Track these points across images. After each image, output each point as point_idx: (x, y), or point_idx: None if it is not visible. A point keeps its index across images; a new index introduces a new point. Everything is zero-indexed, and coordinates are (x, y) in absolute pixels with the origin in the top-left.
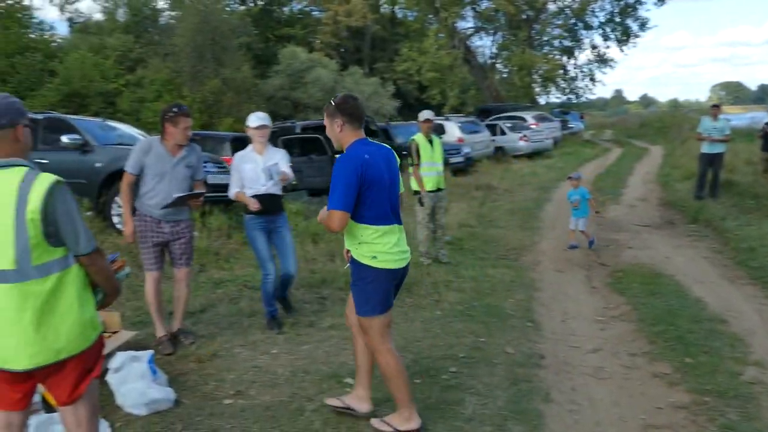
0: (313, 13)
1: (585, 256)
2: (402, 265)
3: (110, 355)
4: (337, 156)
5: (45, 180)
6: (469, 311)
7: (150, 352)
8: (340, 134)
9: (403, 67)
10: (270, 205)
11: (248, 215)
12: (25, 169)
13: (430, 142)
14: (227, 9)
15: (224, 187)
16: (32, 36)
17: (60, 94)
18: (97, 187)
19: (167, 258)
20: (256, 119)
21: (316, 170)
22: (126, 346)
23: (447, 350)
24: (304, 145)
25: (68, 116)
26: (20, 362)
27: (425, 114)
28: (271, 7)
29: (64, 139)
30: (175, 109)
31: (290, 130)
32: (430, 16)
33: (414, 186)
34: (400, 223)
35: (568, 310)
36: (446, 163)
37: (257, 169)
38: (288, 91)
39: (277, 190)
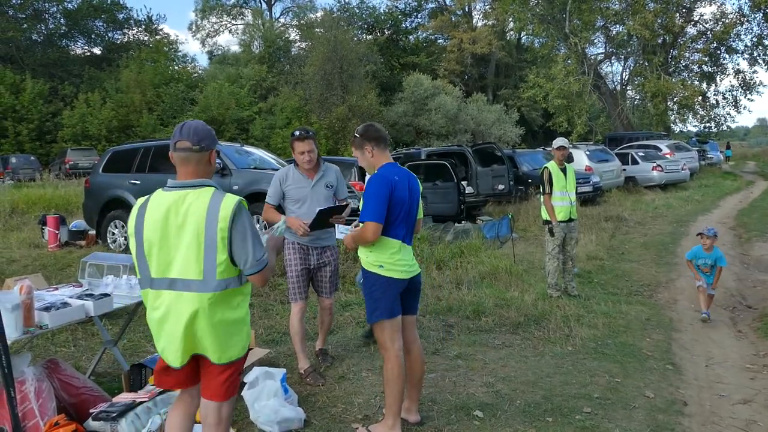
0: (438, 41)
1: (729, 296)
2: (407, 276)
3: (245, 371)
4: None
5: (232, 200)
6: (603, 349)
7: (283, 370)
8: (373, 159)
9: (529, 94)
10: None
11: None
12: (213, 189)
13: (563, 170)
14: (355, 39)
15: (352, 212)
16: (176, 68)
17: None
18: None
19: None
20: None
21: (442, 197)
22: (258, 364)
23: (580, 389)
24: (429, 172)
25: None
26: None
27: (559, 141)
28: (397, 36)
29: None
30: (295, 133)
31: (415, 157)
32: (559, 42)
33: (544, 215)
34: (409, 243)
35: (713, 355)
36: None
37: None
38: (411, 117)
39: None
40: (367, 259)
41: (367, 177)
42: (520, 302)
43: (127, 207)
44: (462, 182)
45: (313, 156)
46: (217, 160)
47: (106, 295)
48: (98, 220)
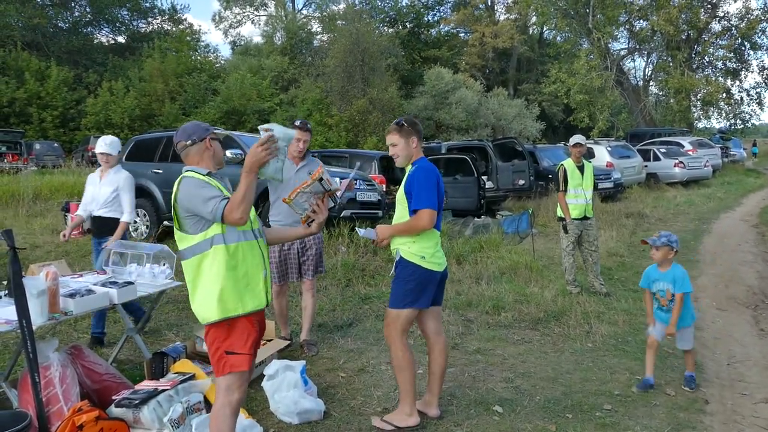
0: (460, 34)
1: (751, 295)
2: (442, 269)
3: (265, 362)
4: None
5: (178, 178)
6: (623, 346)
7: (302, 362)
8: (415, 149)
9: (551, 89)
10: None
11: None
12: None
13: (581, 168)
14: (377, 32)
15: (372, 205)
16: (199, 58)
17: (220, 111)
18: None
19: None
20: None
21: (462, 191)
22: (278, 356)
23: (600, 386)
24: (449, 166)
25: (233, 132)
26: None
27: (575, 138)
28: (418, 29)
29: (228, 153)
30: (296, 122)
31: (436, 151)
32: (582, 37)
33: (559, 212)
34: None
35: (735, 354)
36: (595, 188)
37: None
38: (432, 111)
39: None
40: (410, 249)
41: (407, 170)
42: (539, 298)
43: (150, 196)
44: (482, 177)
45: (305, 147)
46: (239, 151)
47: (130, 283)
48: None
